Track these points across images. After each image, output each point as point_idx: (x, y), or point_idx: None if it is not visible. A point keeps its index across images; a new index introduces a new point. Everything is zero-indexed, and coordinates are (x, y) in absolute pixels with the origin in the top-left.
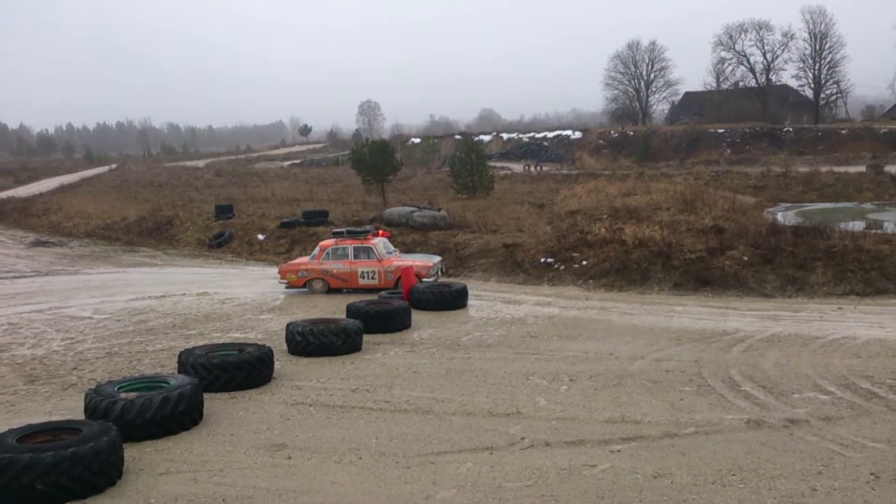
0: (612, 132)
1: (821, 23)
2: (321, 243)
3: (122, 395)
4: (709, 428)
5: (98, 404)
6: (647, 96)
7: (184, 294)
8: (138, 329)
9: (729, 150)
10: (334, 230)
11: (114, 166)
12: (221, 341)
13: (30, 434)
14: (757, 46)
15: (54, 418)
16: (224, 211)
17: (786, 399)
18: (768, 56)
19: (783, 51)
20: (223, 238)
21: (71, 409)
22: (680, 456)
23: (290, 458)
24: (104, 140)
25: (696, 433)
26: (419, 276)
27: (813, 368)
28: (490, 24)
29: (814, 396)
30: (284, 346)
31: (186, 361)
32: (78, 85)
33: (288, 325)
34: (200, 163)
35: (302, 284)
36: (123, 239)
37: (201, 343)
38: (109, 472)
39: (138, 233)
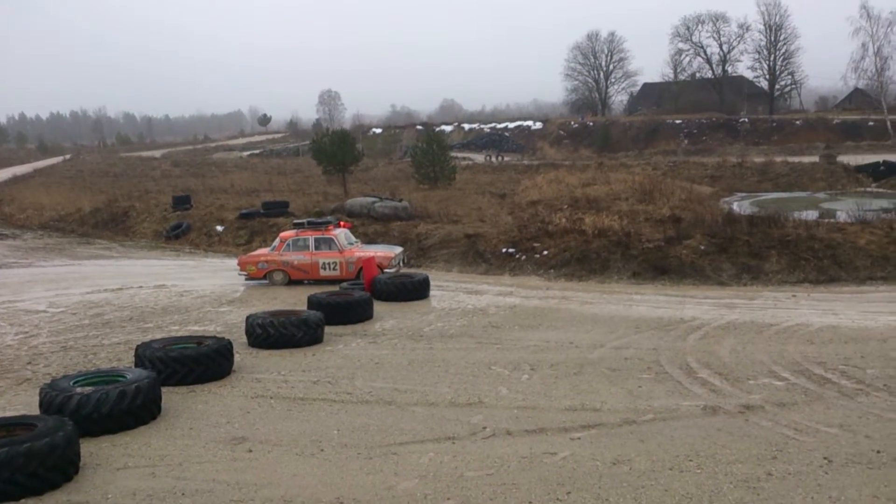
0: (573, 123)
1: (776, 15)
2: (281, 234)
3: (78, 390)
4: (666, 414)
5: (53, 399)
6: (607, 87)
7: (141, 287)
8: (94, 322)
9: (686, 141)
10: (295, 221)
11: (68, 157)
12: (179, 334)
13: None
14: (713, 38)
15: (8, 414)
16: (181, 202)
17: (741, 385)
18: (724, 47)
19: (739, 42)
20: (181, 229)
21: (25, 404)
22: (638, 442)
23: (250, 451)
24: (58, 130)
25: (655, 420)
26: (381, 267)
27: (768, 355)
28: (451, 13)
29: (768, 382)
30: (244, 339)
31: (143, 355)
32: (31, 74)
33: (248, 318)
34: (157, 153)
35: (262, 276)
36: (78, 231)
37: (159, 336)
38: (66, 468)
39: (93, 224)
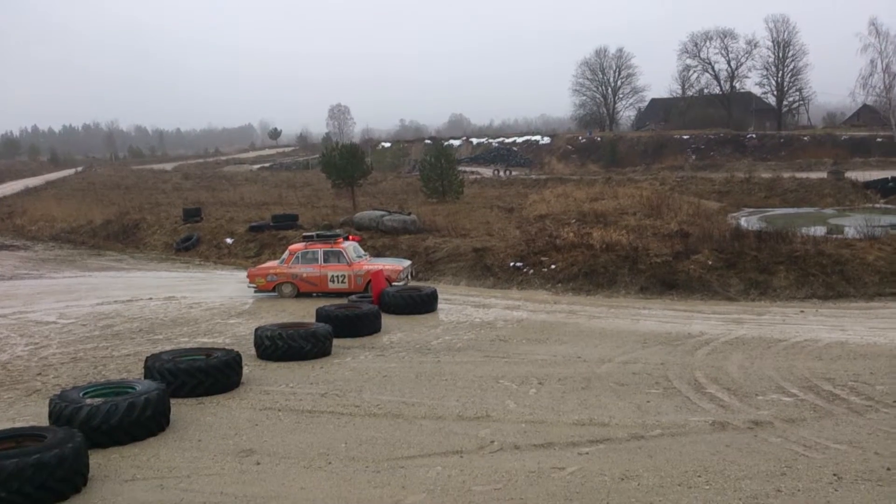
0: (580, 138)
1: (784, 31)
2: (291, 247)
3: (88, 401)
4: (675, 430)
5: (63, 410)
6: (614, 102)
7: (151, 298)
8: (104, 334)
9: (694, 156)
10: (304, 234)
11: (80, 169)
12: (189, 346)
13: None
14: (721, 54)
15: (18, 425)
16: (192, 214)
17: (750, 401)
18: (732, 63)
19: (747, 58)
20: (191, 242)
21: (35, 415)
22: (647, 458)
23: (258, 463)
24: (70, 143)
25: (663, 435)
26: (389, 280)
27: (776, 371)
28: (459, 29)
29: (777, 398)
30: (253, 351)
31: (153, 366)
32: (44, 87)
33: (256, 330)
34: (168, 166)
35: (271, 288)
36: (89, 242)
37: (168, 348)
38: (74, 480)
39: (104, 236)
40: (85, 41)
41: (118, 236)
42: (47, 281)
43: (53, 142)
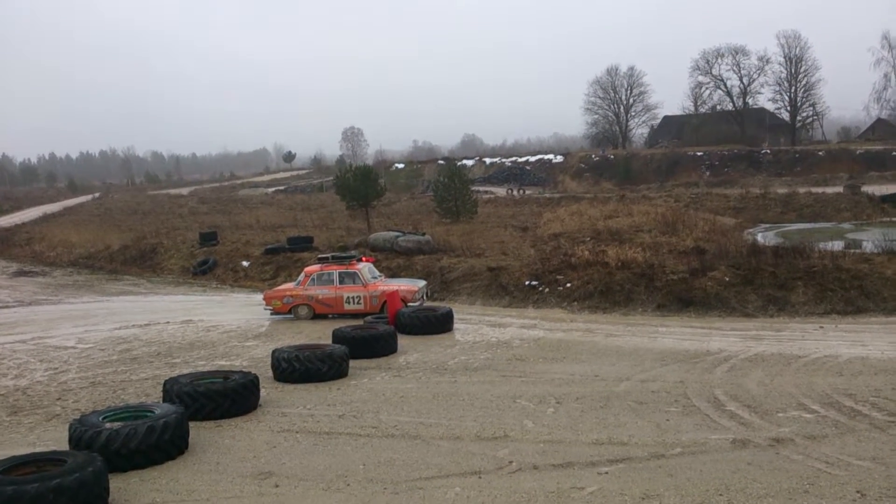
0: (593, 156)
1: (796, 47)
2: (306, 269)
3: (107, 425)
4: (695, 448)
5: (82, 434)
6: (627, 120)
7: (168, 322)
8: (122, 358)
9: (708, 173)
10: (319, 256)
11: (97, 195)
12: (206, 369)
13: (13, 466)
14: (733, 71)
15: (38, 449)
16: (208, 238)
17: (771, 418)
18: (745, 80)
19: (759, 75)
20: (207, 265)
21: (55, 439)
22: (667, 477)
23: (277, 486)
24: (87, 169)
25: (683, 454)
26: (405, 301)
27: (797, 387)
28: (471, 49)
29: (798, 415)
30: (270, 373)
31: (171, 390)
32: (61, 114)
33: (273, 352)
34: (184, 190)
35: (287, 310)
36: (107, 267)
37: (186, 371)
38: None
39: (122, 261)
40: (101, 70)
41: (135, 261)
42: (66, 306)
43: (71, 168)
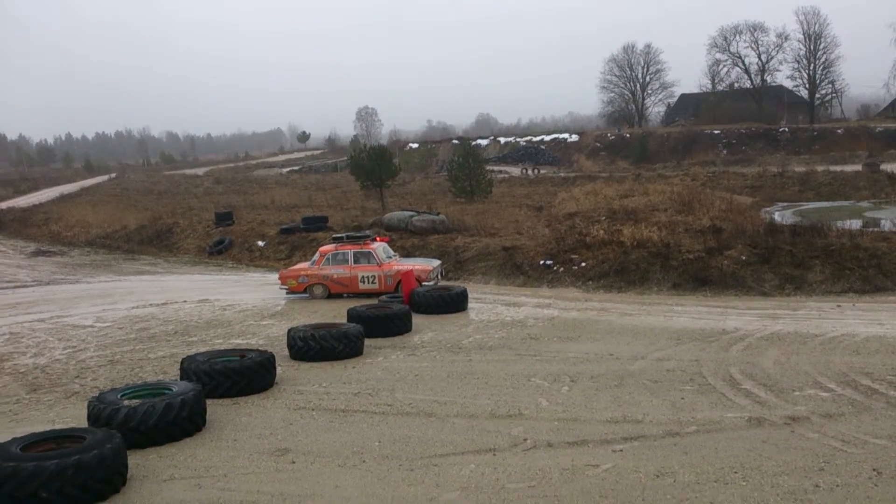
0: (609, 135)
1: (815, 23)
2: (321, 249)
3: (126, 403)
4: (710, 426)
5: (101, 412)
6: (643, 98)
7: (185, 301)
8: (140, 336)
9: (725, 151)
10: (334, 235)
11: (113, 175)
12: (223, 347)
13: (34, 443)
14: (752, 48)
15: (58, 427)
16: (224, 218)
17: (786, 396)
18: (763, 57)
19: (777, 52)
20: (223, 245)
21: (74, 417)
22: (682, 455)
23: (293, 462)
24: (103, 149)
25: (698, 432)
26: (419, 280)
27: (813, 366)
28: (486, 28)
29: (814, 394)
30: (286, 352)
31: (189, 368)
32: (77, 95)
33: (289, 331)
34: (199, 171)
35: (302, 290)
36: (124, 247)
37: (203, 349)
38: (113, 480)
39: (139, 241)
40: (117, 51)
41: (152, 241)
42: (84, 285)
43: (87, 149)
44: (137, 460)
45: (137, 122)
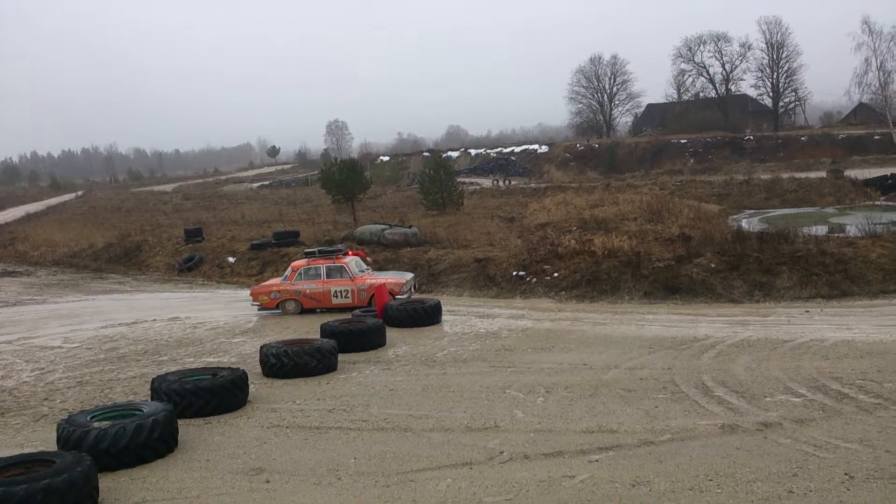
0: (578, 145)
1: (777, 33)
2: (293, 264)
3: (95, 425)
4: (684, 434)
5: (71, 434)
6: (611, 109)
7: (155, 320)
8: (109, 357)
9: (692, 160)
10: (306, 250)
11: (80, 193)
12: (194, 366)
13: (2, 467)
14: (716, 58)
15: (26, 450)
16: (193, 234)
17: (758, 403)
18: (727, 67)
19: (741, 61)
20: (193, 262)
21: (43, 440)
22: (657, 463)
23: (268, 481)
24: (70, 167)
25: (672, 440)
26: (392, 294)
27: (783, 371)
28: (455, 40)
29: (786, 399)
30: (259, 369)
31: (159, 388)
32: (42, 112)
33: (262, 348)
34: (168, 187)
35: (275, 306)
36: (91, 266)
37: (174, 369)
38: None
39: (107, 259)
40: (81, 66)
41: (120, 259)
42: (51, 306)
43: (53, 167)
44: (109, 483)
45: (104, 138)
